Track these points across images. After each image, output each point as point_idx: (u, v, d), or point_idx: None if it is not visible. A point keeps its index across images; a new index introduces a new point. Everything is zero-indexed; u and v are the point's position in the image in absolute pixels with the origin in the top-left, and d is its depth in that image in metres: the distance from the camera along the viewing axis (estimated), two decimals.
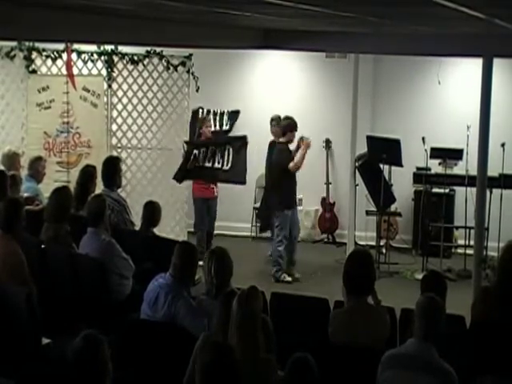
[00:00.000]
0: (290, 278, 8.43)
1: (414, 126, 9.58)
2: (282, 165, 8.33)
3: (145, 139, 9.27)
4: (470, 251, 8.14)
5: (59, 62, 9.05)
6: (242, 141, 8.39)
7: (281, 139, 8.52)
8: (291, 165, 8.30)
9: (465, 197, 8.68)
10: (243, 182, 8.42)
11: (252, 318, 3.77)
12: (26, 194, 7.22)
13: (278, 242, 8.44)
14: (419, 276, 7.69)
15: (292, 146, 8.48)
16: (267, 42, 7.19)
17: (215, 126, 9.21)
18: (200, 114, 9.16)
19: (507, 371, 4.11)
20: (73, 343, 3.34)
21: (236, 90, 10.32)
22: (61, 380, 3.72)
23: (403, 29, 5.74)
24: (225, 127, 9.30)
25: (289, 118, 8.49)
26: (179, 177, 8.31)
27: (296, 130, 8.42)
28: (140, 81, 9.16)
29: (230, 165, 8.21)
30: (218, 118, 9.20)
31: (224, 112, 9.13)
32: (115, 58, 9.09)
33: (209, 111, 9.19)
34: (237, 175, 8.31)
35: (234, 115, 9.31)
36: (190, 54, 8.95)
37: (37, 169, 7.66)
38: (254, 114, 9.96)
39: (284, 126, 8.46)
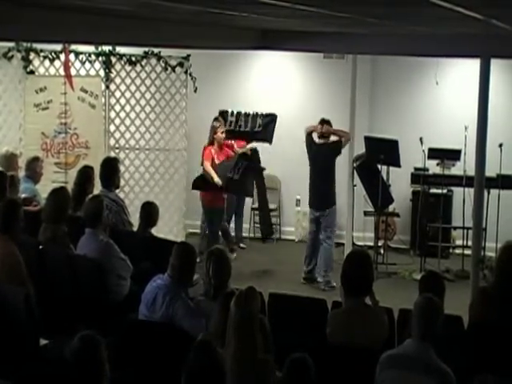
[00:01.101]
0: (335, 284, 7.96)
1: (411, 126, 9.59)
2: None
3: (143, 140, 9.28)
4: (467, 252, 8.16)
5: (57, 63, 9.06)
6: (260, 170, 8.48)
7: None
8: (343, 141, 8.31)
9: (463, 197, 8.68)
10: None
11: (250, 318, 3.76)
12: (23, 195, 7.21)
13: (332, 242, 8.30)
14: (417, 276, 7.70)
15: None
16: (265, 43, 7.20)
17: (246, 127, 8.98)
18: (229, 115, 8.95)
19: (505, 371, 4.11)
20: (70, 344, 3.34)
21: (234, 91, 10.32)
22: (58, 380, 3.72)
23: (401, 29, 5.75)
24: (257, 128, 9.06)
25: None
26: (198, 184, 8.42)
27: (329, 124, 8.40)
28: (138, 81, 9.17)
29: (238, 177, 8.29)
30: (250, 119, 8.97)
31: (257, 114, 8.90)
32: (113, 59, 9.10)
33: (239, 113, 8.95)
34: (242, 191, 8.50)
35: (269, 118, 9.01)
36: (188, 55, 8.96)
37: (34, 169, 7.65)
38: None
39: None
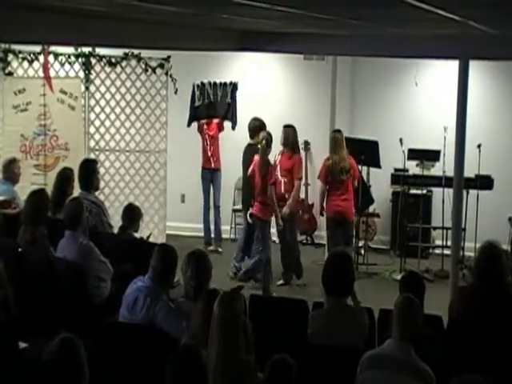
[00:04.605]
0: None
1: (391, 127, 9.63)
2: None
3: (123, 142, 9.24)
4: (447, 252, 8.21)
5: (36, 64, 8.99)
6: None
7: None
8: None
9: (442, 198, 8.74)
10: None
11: (234, 319, 3.76)
12: (2, 198, 7.15)
13: None
14: (397, 277, 7.75)
15: None
16: (245, 44, 7.21)
17: (216, 96, 9.07)
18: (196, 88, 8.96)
19: (484, 370, 4.14)
20: (49, 347, 3.30)
21: None
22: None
23: (381, 31, 5.78)
24: (228, 99, 9.10)
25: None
26: None
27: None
28: (118, 83, 9.13)
29: None
30: (218, 88, 9.04)
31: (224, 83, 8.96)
32: (93, 60, 9.05)
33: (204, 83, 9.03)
34: None
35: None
36: (169, 56, 8.93)
37: (12, 171, 7.58)
38: None
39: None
